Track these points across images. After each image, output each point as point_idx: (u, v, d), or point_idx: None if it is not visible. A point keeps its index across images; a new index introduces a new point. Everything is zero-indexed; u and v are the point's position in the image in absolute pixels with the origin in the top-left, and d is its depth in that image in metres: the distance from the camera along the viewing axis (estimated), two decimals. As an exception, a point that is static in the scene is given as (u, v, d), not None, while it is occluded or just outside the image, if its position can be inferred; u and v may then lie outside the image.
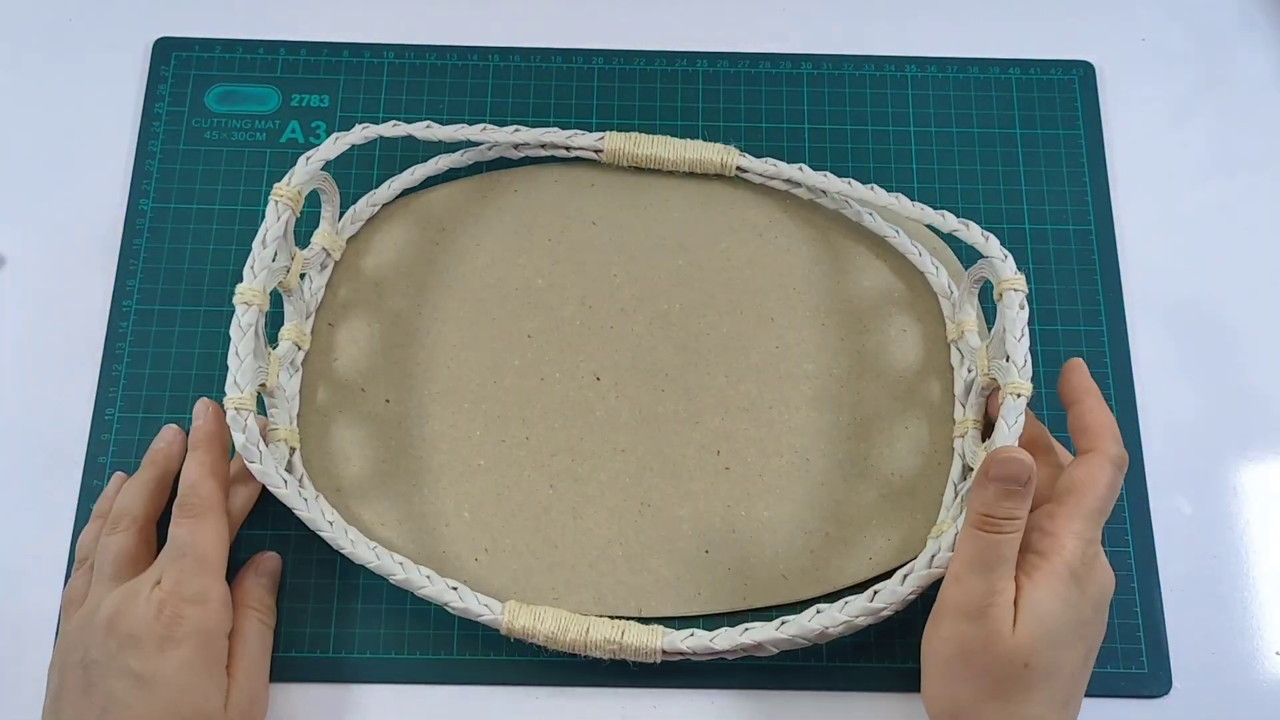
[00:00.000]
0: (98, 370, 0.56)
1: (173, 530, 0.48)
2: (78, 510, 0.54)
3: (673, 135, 0.59)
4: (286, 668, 0.51)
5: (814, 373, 0.55)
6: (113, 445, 0.54)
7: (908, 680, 0.51)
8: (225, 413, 0.49)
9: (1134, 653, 0.52)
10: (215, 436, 0.50)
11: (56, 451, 0.54)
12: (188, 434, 0.52)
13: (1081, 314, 0.57)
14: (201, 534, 0.47)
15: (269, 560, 0.52)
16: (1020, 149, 0.60)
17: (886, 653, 0.52)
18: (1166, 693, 0.51)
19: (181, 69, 0.61)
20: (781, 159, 0.58)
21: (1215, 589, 0.53)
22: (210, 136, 0.60)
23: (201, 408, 0.51)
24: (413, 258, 0.57)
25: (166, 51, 0.62)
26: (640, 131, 0.59)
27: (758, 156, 0.58)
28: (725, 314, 0.56)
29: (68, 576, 0.52)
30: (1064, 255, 0.58)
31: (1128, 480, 0.54)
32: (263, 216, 0.50)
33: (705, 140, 0.58)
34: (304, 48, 0.62)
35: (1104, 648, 0.51)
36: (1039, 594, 0.43)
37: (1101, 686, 0.51)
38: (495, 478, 0.54)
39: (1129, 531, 0.54)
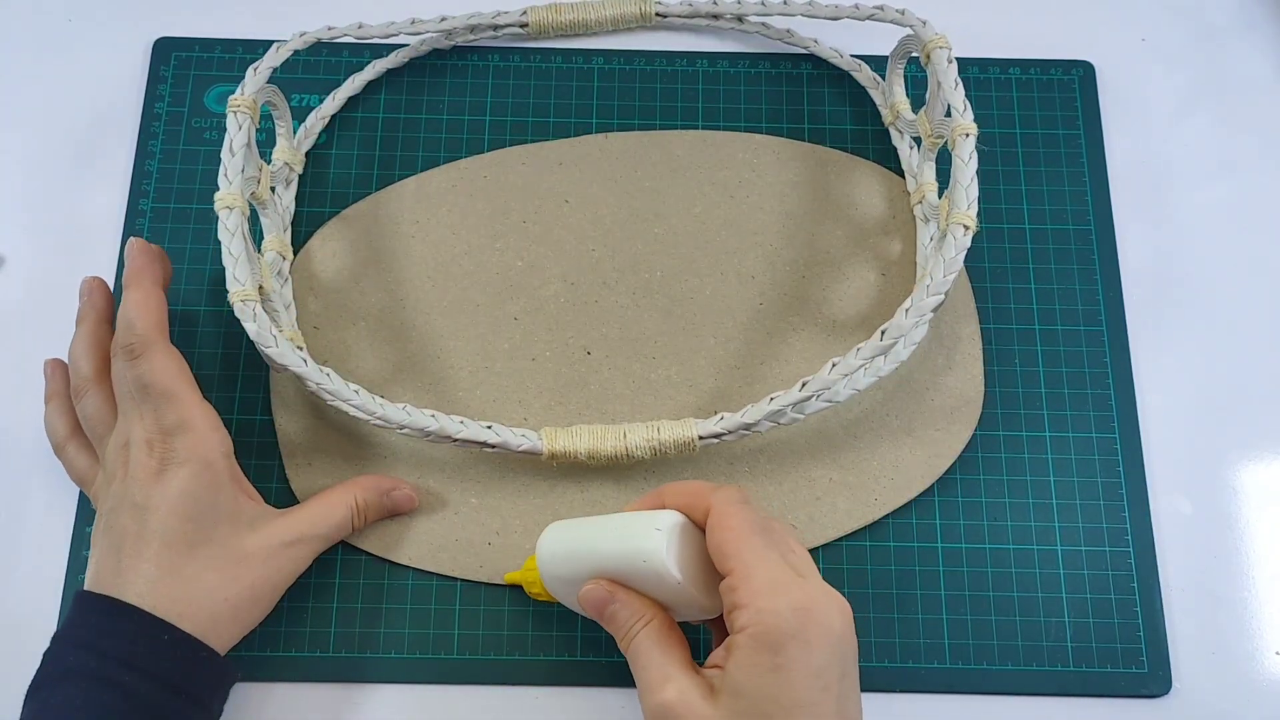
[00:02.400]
0: (98, 370, 0.56)
1: (125, 375, 0.47)
2: (78, 510, 0.54)
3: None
4: (286, 668, 0.51)
5: (800, 324, 0.56)
6: (113, 445, 0.54)
7: (907, 680, 0.51)
8: (153, 246, 0.50)
9: (1134, 653, 0.52)
10: (145, 270, 0.49)
11: (56, 451, 0.55)
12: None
13: (1081, 314, 0.57)
14: (154, 368, 0.47)
15: (406, 491, 0.52)
16: (1020, 149, 0.60)
17: (886, 653, 0.52)
18: (1166, 693, 0.51)
19: (181, 69, 0.61)
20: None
21: (1215, 589, 0.53)
22: (210, 136, 0.60)
23: (130, 246, 0.50)
24: (390, 252, 0.57)
25: (166, 51, 0.62)
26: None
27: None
28: (707, 277, 0.57)
29: (68, 576, 0.52)
30: (1064, 255, 0.58)
31: (1128, 480, 0.54)
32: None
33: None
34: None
35: (1104, 648, 0.52)
36: (732, 672, 0.40)
37: (1101, 686, 0.51)
38: (498, 460, 0.54)
39: (1129, 531, 0.54)
